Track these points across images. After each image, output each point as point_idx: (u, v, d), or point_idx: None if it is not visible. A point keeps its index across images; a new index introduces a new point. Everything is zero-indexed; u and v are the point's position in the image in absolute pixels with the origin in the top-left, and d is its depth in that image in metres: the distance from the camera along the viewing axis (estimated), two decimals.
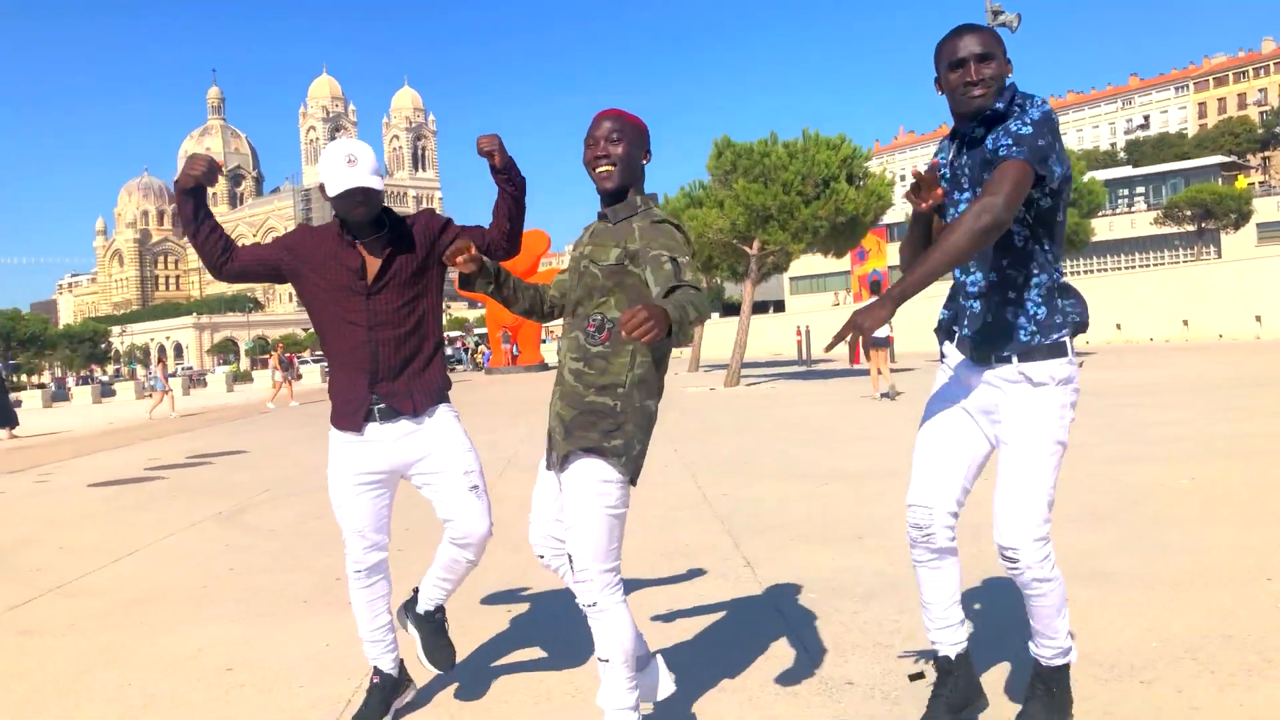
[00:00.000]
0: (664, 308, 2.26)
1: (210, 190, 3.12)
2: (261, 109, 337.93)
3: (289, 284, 3.21)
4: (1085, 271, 57.16)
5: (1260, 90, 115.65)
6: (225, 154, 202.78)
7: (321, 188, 3.03)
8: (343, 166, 2.97)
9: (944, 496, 2.75)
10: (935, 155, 2.85)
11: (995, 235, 2.43)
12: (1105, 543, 5.19)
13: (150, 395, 29.18)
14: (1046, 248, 2.64)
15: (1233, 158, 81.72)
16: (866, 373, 16.66)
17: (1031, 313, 2.63)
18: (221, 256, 3.11)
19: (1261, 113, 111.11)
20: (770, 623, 4.15)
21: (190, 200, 3.06)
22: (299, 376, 31.17)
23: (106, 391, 47.91)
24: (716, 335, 35.03)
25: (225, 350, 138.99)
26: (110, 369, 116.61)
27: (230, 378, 48.63)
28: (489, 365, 42.01)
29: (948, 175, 2.77)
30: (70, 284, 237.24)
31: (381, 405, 3.12)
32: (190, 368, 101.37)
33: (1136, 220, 63.21)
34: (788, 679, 3.44)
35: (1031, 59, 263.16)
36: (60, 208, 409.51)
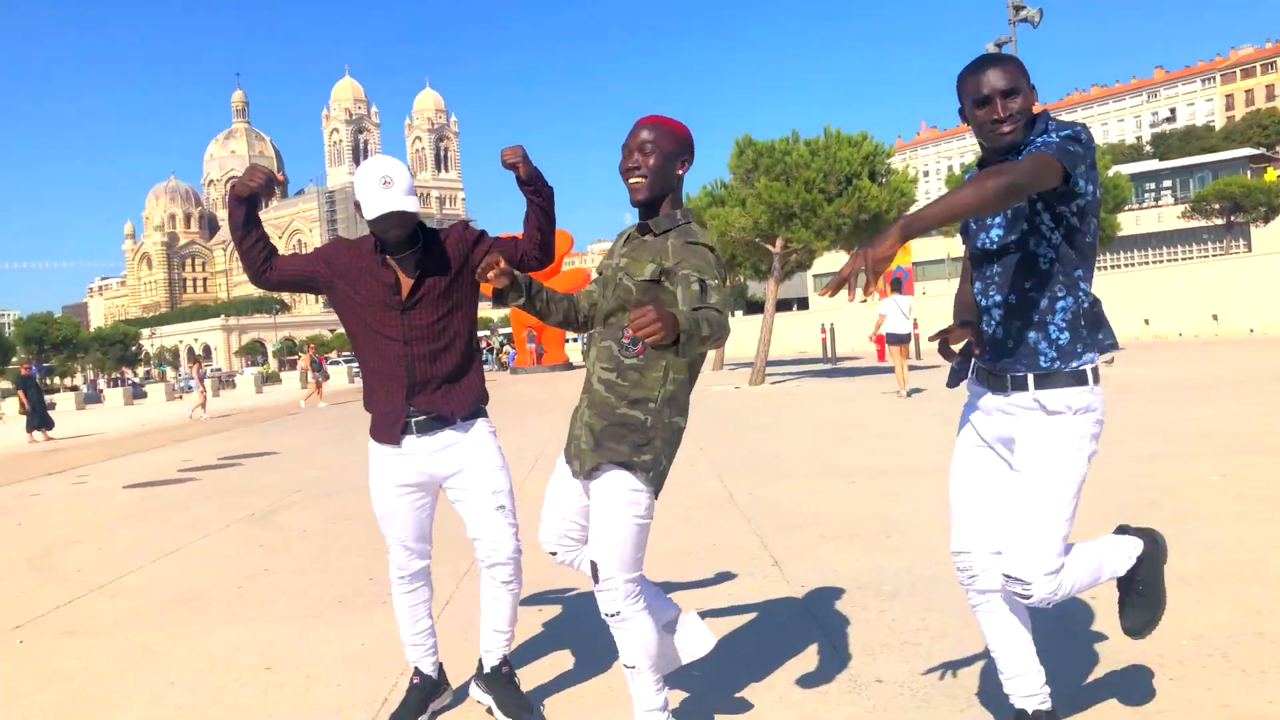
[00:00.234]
0: (675, 315, 2.28)
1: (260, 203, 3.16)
2: (285, 112, 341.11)
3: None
4: (1112, 266, 56.55)
5: None
6: (250, 157, 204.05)
7: (357, 205, 3.06)
8: (378, 189, 2.98)
9: (982, 538, 2.68)
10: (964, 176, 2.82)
11: (1014, 197, 2.30)
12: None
13: (180, 397, 29.51)
14: (1076, 272, 2.52)
15: (1261, 150, 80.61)
16: (892, 370, 16.61)
17: (1054, 337, 2.52)
18: (263, 265, 3.16)
19: None
20: (799, 621, 4.19)
21: (242, 208, 3.10)
22: (327, 377, 31.45)
23: (138, 393, 48.56)
24: (740, 333, 34.94)
25: (253, 352, 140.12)
26: (141, 371, 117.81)
27: (259, 379, 49.09)
28: (514, 365, 42.16)
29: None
30: (100, 287, 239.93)
31: (419, 418, 3.14)
32: (219, 369, 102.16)
33: (1164, 214, 62.45)
34: (817, 677, 3.48)
35: (1054, 53, 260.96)
36: (90, 212, 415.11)
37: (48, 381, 71.01)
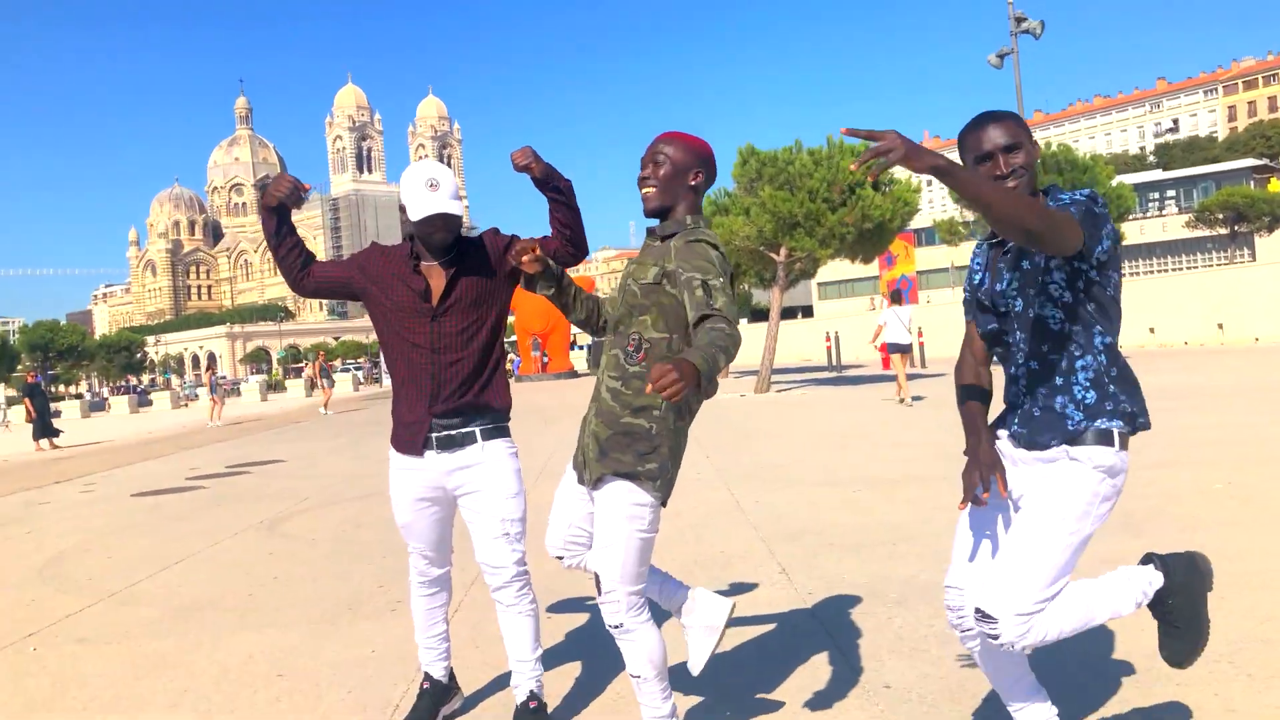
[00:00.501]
0: (694, 362, 2.26)
1: (292, 210, 3.16)
2: (288, 119, 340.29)
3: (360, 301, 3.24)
4: None
5: None
6: (254, 164, 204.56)
7: (401, 209, 3.05)
8: (425, 191, 2.97)
9: (975, 578, 2.61)
10: (972, 262, 2.75)
11: (1029, 230, 2.22)
12: (1140, 547, 5.14)
13: (186, 405, 29.61)
14: (1096, 329, 2.48)
15: (1265, 161, 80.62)
16: (895, 378, 16.65)
17: (1079, 398, 2.47)
18: (300, 272, 3.18)
19: None
20: (807, 628, 4.22)
21: (274, 217, 3.12)
22: (333, 384, 31.55)
23: (143, 401, 48.56)
24: (745, 341, 34.56)
25: (257, 359, 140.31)
26: (145, 378, 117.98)
27: (264, 387, 49.15)
28: (519, 372, 42.22)
29: (981, 277, 2.67)
30: (105, 294, 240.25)
31: (440, 433, 3.12)
32: (224, 377, 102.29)
33: (1168, 224, 62.54)
34: (826, 683, 3.50)
35: (1057, 64, 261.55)
36: (93, 219, 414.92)
37: (53, 389, 71.20)
